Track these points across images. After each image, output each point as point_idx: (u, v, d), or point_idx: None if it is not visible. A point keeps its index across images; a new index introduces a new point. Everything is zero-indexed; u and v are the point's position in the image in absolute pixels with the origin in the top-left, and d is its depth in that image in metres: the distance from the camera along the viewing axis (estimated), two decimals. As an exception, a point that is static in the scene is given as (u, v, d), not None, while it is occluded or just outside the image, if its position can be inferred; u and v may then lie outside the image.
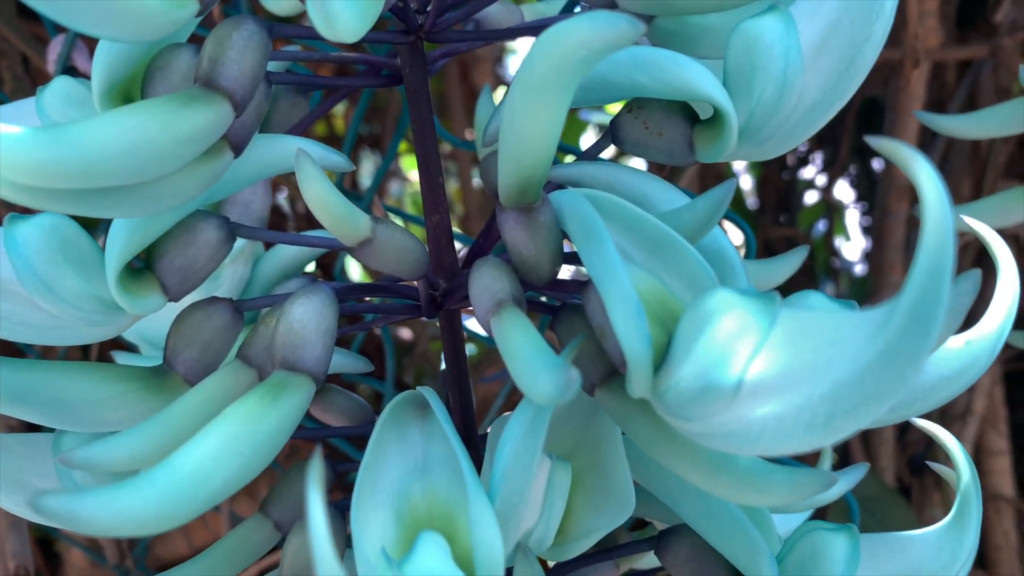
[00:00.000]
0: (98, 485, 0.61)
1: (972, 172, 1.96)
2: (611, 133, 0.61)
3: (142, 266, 0.59)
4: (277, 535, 0.65)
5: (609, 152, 0.71)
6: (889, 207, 1.90)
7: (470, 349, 2.73)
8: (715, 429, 0.46)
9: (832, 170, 2.27)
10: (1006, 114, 1.05)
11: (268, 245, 0.73)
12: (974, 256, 1.79)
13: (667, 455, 0.54)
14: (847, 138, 2.11)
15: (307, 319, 0.53)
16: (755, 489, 0.50)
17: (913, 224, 1.88)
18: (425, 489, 0.53)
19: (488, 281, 0.54)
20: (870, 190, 2.29)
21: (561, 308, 0.57)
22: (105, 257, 0.57)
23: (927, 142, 1.96)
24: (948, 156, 1.96)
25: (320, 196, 0.53)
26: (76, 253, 0.57)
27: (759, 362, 0.43)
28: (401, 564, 0.46)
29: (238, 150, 0.58)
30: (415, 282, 0.66)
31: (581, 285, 0.55)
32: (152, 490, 0.45)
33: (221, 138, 0.55)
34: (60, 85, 0.67)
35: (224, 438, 0.48)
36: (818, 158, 2.34)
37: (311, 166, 0.53)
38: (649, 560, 0.82)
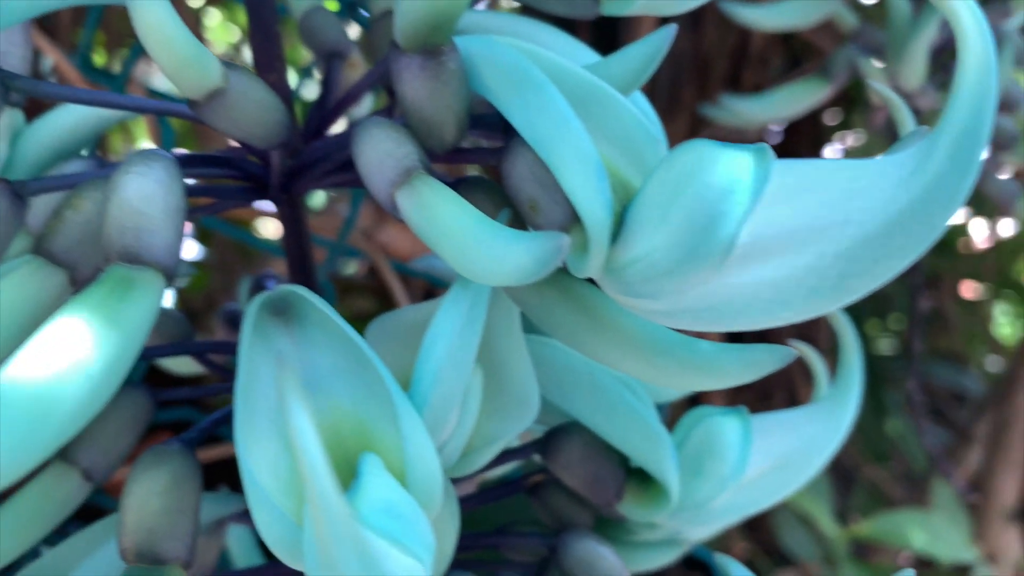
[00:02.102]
0: None
1: (696, 81, 2.08)
2: (496, -22, 0.52)
3: None
4: (88, 486, 0.51)
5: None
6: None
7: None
8: (688, 304, 0.40)
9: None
10: (797, 7, 1.10)
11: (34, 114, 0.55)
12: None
13: (597, 346, 0.47)
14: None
15: (152, 195, 0.40)
16: (705, 372, 0.45)
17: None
18: (323, 406, 0.43)
19: (389, 145, 0.43)
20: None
21: (458, 184, 0.48)
22: None
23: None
24: (677, 67, 2.05)
25: (162, 27, 0.39)
26: None
27: (754, 222, 0.38)
28: (350, 498, 0.35)
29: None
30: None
31: (489, 153, 0.47)
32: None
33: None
34: None
35: (63, 353, 0.34)
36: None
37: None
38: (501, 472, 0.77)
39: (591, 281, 0.48)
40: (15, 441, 0.31)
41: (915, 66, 1.01)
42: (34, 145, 0.55)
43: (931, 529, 1.70)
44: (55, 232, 0.43)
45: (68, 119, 0.56)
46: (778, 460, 0.60)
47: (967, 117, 0.33)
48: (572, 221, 0.42)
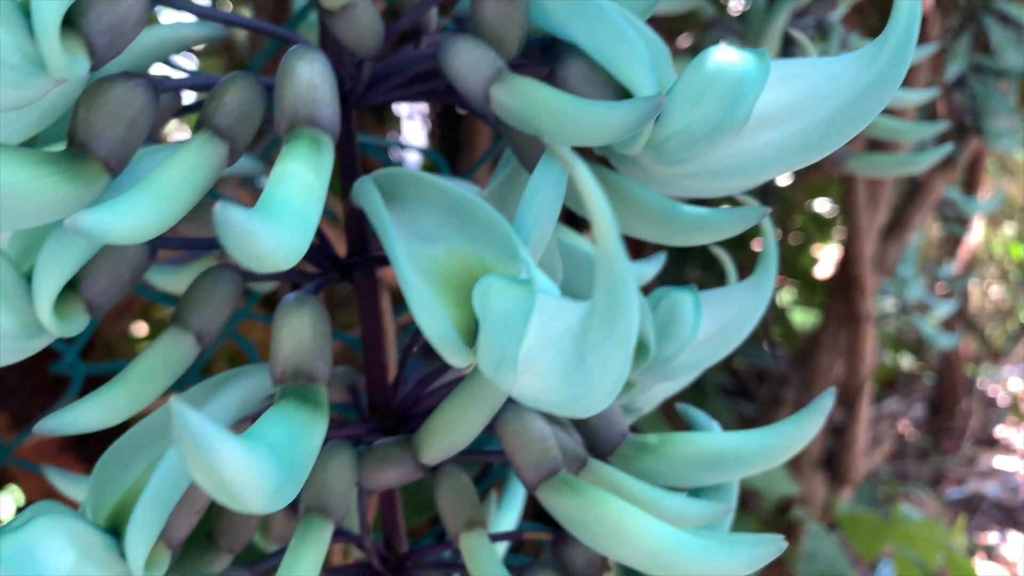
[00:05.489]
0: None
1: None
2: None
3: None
4: (198, 348, 0.59)
5: None
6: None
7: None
8: (711, 166, 0.56)
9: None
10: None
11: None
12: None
13: (620, 215, 0.62)
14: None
15: (323, 75, 0.51)
16: (704, 228, 0.62)
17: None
18: (445, 248, 0.54)
19: (479, 51, 0.56)
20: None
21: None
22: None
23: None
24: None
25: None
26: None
27: (763, 99, 0.54)
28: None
29: None
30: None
31: (540, 66, 0.60)
32: (284, 220, 0.41)
33: None
34: None
35: (303, 185, 0.45)
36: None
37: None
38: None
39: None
40: (299, 233, 0.42)
41: (771, 47, 1.25)
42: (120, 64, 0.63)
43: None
44: (217, 111, 0.52)
45: (152, 38, 0.64)
46: (719, 326, 0.77)
47: (905, 23, 0.51)
48: (620, 110, 0.57)
